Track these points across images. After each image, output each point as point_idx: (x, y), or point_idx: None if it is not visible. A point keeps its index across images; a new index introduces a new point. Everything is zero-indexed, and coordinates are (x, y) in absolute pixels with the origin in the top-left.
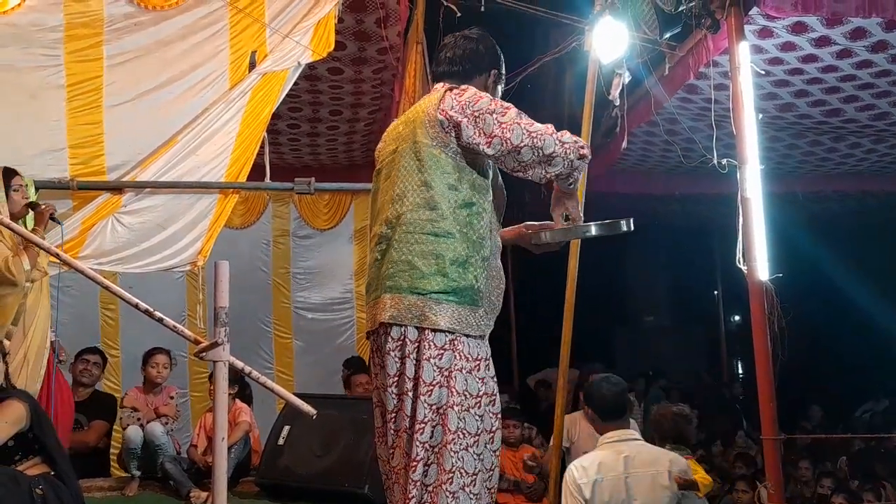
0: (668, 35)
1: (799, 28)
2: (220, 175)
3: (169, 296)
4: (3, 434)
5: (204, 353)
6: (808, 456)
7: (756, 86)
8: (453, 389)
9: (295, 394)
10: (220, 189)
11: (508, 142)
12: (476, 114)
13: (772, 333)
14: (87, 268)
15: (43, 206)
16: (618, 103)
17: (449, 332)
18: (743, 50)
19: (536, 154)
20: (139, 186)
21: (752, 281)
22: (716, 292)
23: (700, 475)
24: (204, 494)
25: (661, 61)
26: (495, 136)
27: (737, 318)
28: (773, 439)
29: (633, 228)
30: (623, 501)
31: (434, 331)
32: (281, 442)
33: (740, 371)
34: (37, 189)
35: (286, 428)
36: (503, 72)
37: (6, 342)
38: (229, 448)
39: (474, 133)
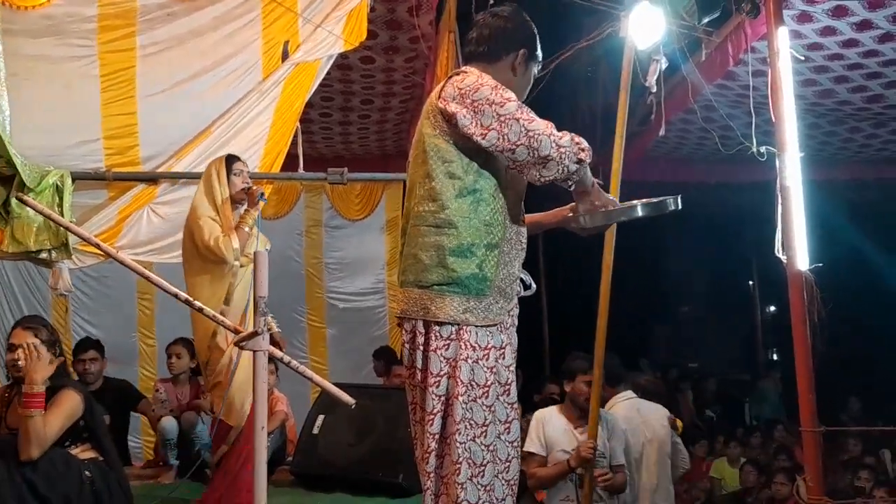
0: (706, 20)
1: (839, 12)
2: (254, 166)
3: None
4: (60, 425)
5: (244, 343)
6: (848, 448)
7: (795, 72)
8: (458, 380)
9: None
10: (254, 180)
11: (505, 137)
12: (475, 103)
13: (811, 324)
14: (129, 258)
15: (253, 189)
16: (654, 90)
17: (453, 323)
18: (782, 35)
19: (532, 155)
20: (174, 177)
21: (791, 271)
22: (751, 282)
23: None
24: None
25: (698, 47)
26: (492, 128)
27: (772, 308)
28: (812, 431)
29: (680, 207)
30: (642, 440)
31: (439, 323)
32: (315, 431)
33: (776, 360)
34: (73, 180)
35: (321, 417)
36: (537, 52)
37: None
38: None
39: (470, 123)
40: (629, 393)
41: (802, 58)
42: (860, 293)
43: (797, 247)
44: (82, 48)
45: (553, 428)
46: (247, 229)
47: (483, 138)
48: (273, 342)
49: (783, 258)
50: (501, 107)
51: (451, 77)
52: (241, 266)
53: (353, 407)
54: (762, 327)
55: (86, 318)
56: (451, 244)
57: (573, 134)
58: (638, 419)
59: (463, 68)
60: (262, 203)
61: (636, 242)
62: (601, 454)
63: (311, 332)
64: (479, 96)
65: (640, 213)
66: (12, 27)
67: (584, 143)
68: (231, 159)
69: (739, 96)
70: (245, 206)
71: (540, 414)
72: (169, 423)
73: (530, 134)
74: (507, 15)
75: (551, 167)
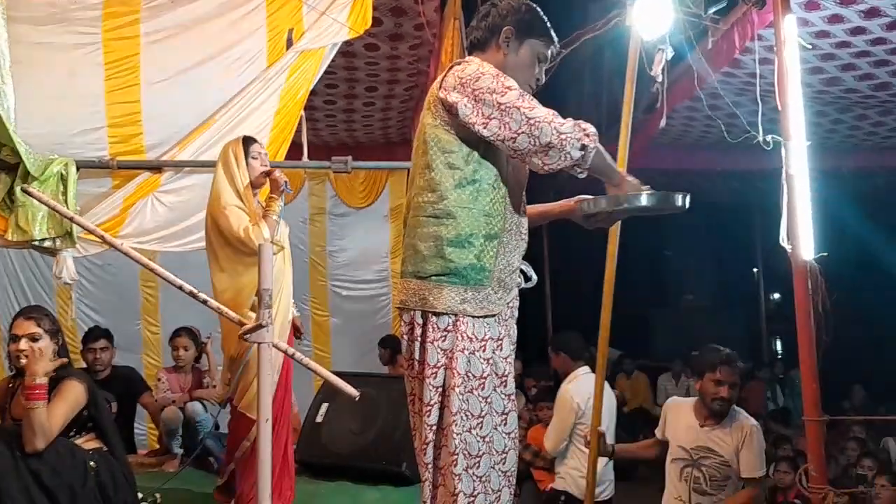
0: (712, 10)
1: (847, 0)
2: None
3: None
4: (64, 415)
5: (248, 335)
6: (851, 437)
7: (802, 60)
8: (454, 371)
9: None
10: None
11: (506, 126)
12: (476, 92)
13: (815, 314)
14: (132, 250)
15: (277, 174)
16: (660, 80)
17: (450, 313)
18: (789, 23)
19: (533, 143)
20: (178, 165)
21: (795, 261)
22: (755, 270)
23: None
24: None
25: (704, 35)
26: (493, 118)
27: (776, 295)
28: (815, 421)
29: (688, 206)
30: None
31: (436, 314)
32: (319, 420)
33: (779, 350)
34: (78, 168)
35: (324, 406)
36: (533, 28)
37: (251, 314)
38: None
39: (472, 113)
40: (587, 368)
41: (809, 46)
42: (865, 281)
43: (802, 236)
44: (86, 35)
45: (678, 420)
46: (274, 217)
47: (484, 127)
48: (293, 326)
49: (788, 248)
50: (502, 96)
51: (451, 67)
52: (274, 255)
53: (357, 399)
54: (766, 315)
55: (90, 305)
56: (450, 234)
57: (578, 120)
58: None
59: (465, 58)
60: (286, 192)
61: (641, 231)
62: (722, 460)
63: (315, 321)
64: (480, 85)
65: (644, 202)
66: (17, 14)
67: (591, 129)
68: (248, 141)
69: (746, 84)
70: (266, 191)
71: (674, 402)
72: (173, 413)
73: (531, 122)
74: (498, 1)
75: (553, 155)
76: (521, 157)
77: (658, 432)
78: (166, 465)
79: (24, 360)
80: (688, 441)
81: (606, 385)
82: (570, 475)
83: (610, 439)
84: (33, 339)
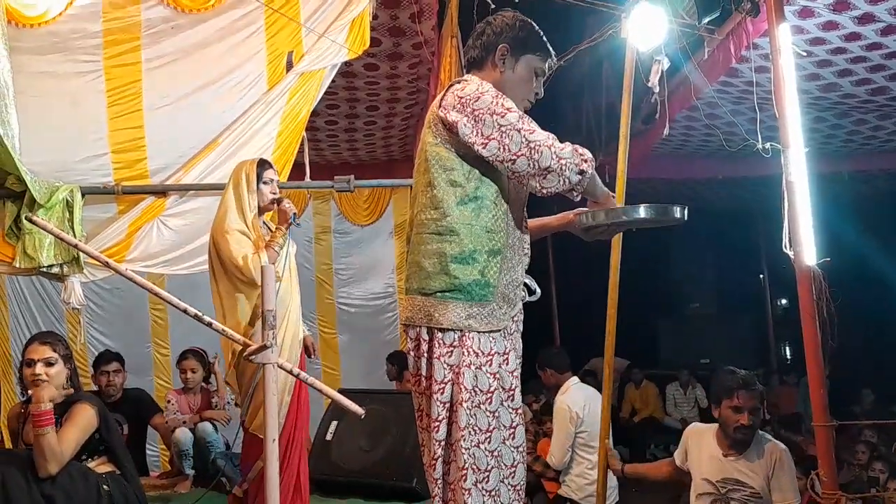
0: (706, 20)
1: (841, 6)
2: None
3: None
4: (77, 439)
5: (253, 357)
6: (862, 440)
7: (798, 67)
8: (461, 386)
9: (341, 389)
10: None
11: (506, 148)
12: (476, 112)
13: (821, 319)
14: (138, 276)
15: (286, 206)
16: (657, 90)
17: (456, 329)
18: (783, 31)
19: (532, 166)
20: (183, 189)
21: (799, 267)
22: (761, 276)
23: None
24: None
25: (700, 46)
26: (493, 139)
27: (783, 301)
28: (824, 426)
29: (686, 218)
30: (596, 413)
31: (442, 330)
32: (329, 437)
33: (788, 356)
34: (83, 195)
35: (334, 423)
36: (527, 45)
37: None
38: None
39: (471, 132)
40: (575, 378)
41: (805, 53)
42: (869, 284)
43: (804, 242)
44: (88, 63)
45: (700, 450)
46: (277, 249)
47: (484, 147)
48: (304, 346)
49: (791, 254)
50: (502, 117)
51: (451, 86)
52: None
53: (362, 417)
54: (773, 321)
55: (100, 329)
56: (454, 251)
57: (576, 145)
58: (594, 396)
59: (464, 77)
60: (294, 224)
61: (645, 241)
62: (753, 492)
63: (323, 339)
64: (481, 105)
65: (642, 214)
66: (19, 45)
67: (588, 154)
68: (263, 164)
69: (743, 93)
70: (272, 218)
71: (695, 429)
72: (183, 434)
73: (531, 145)
74: (493, 19)
75: (552, 179)
76: (518, 179)
77: (677, 458)
78: (178, 486)
79: (43, 378)
80: (712, 473)
81: (596, 392)
82: (575, 482)
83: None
84: (48, 363)
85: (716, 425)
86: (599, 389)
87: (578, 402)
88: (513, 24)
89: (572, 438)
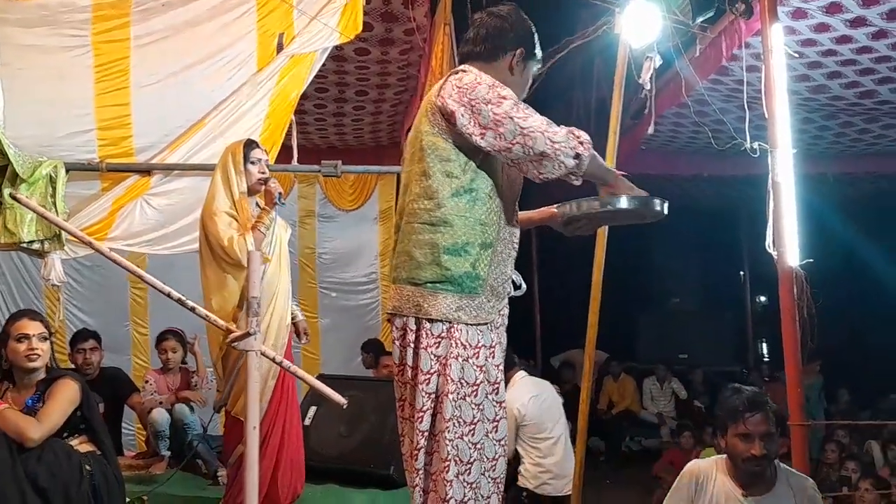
0: (700, 19)
1: (834, 9)
2: None
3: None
4: (62, 411)
5: (236, 343)
6: (834, 440)
7: (788, 68)
8: (448, 377)
9: (321, 375)
10: None
11: (501, 137)
12: (472, 102)
13: (801, 320)
14: (117, 252)
15: (272, 185)
16: (648, 87)
17: (445, 320)
18: (776, 32)
19: (526, 152)
20: (168, 168)
21: (781, 267)
22: (742, 273)
23: None
24: None
25: (692, 43)
26: (488, 128)
27: (762, 298)
28: (799, 425)
29: (666, 212)
30: (548, 406)
31: (430, 320)
32: (307, 423)
33: (765, 354)
34: (67, 171)
35: (312, 409)
36: (535, 51)
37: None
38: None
39: (468, 122)
40: (523, 372)
41: (796, 54)
42: (851, 286)
43: (788, 243)
44: (76, 38)
45: (711, 493)
46: (263, 230)
47: (481, 138)
48: (297, 330)
49: (774, 254)
50: (497, 106)
51: (450, 75)
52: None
53: (344, 407)
54: (752, 319)
55: (79, 307)
56: (446, 242)
57: (572, 128)
58: (546, 385)
59: (462, 67)
60: (280, 204)
61: (627, 236)
62: None
63: None
64: (476, 95)
65: (624, 204)
66: (7, 17)
67: (584, 136)
68: (250, 145)
69: (732, 91)
70: (259, 200)
71: (696, 468)
72: (160, 415)
73: (525, 131)
74: (504, 14)
75: (547, 164)
76: (517, 167)
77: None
78: (154, 467)
79: (37, 359)
80: None
81: (543, 383)
82: (529, 471)
83: (562, 432)
84: (43, 338)
85: (715, 457)
86: (578, 381)
87: (523, 397)
88: (529, 30)
89: (514, 434)
